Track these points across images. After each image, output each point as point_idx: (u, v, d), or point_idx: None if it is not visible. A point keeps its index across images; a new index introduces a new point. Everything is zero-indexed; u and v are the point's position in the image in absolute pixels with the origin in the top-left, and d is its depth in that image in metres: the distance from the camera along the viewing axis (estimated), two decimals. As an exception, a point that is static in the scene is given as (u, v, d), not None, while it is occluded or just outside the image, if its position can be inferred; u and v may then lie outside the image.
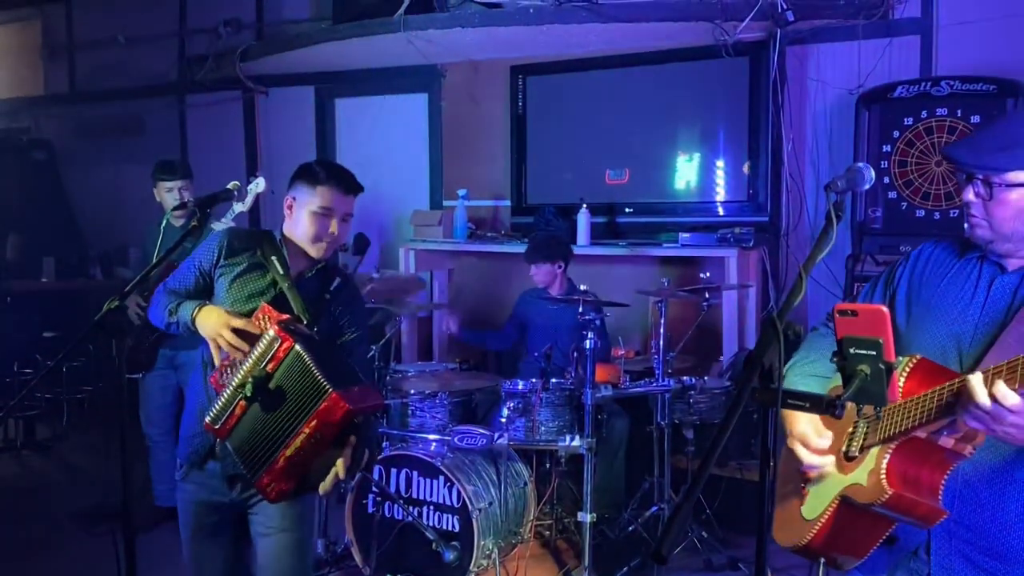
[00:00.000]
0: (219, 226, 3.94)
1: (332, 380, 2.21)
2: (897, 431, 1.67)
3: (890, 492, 1.65)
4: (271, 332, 2.29)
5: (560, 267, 4.65)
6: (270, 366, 2.27)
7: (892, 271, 2.04)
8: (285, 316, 2.36)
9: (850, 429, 1.85)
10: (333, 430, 2.22)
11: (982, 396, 1.51)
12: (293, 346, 2.25)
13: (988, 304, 1.79)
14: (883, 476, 1.67)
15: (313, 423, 2.20)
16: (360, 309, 2.65)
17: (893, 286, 2.02)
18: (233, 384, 2.31)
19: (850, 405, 1.67)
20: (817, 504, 1.84)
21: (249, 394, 2.26)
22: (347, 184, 2.53)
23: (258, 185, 3.59)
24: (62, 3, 7.69)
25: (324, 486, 2.29)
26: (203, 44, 6.84)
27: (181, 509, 2.61)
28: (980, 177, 1.76)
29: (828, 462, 1.83)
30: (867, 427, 1.79)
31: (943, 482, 1.67)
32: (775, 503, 2.05)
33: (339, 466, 2.26)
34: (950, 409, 1.57)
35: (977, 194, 1.77)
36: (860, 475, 1.75)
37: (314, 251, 2.52)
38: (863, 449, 1.77)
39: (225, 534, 2.59)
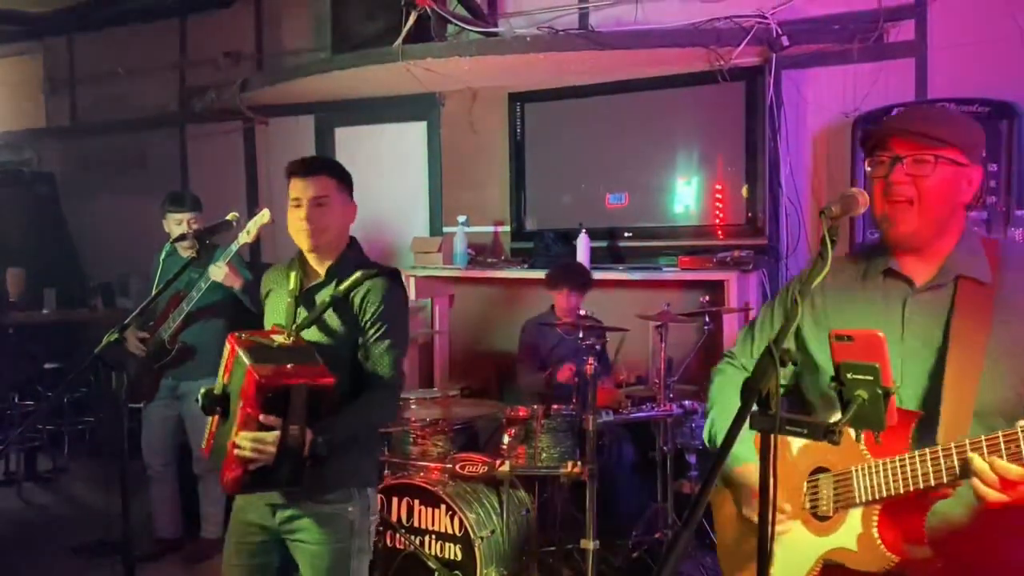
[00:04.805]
0: (220, 260, 3.96)
1: (259, 360, 2.24)
2: (885, 495, 1.65)
3: (896, 559, 1.65)
4: (227, 345, 2.38)
5: (583, 296, 4.66)
6: (226, 376, 2.37)
7: (788, 302, 1.99)
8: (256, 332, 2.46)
9: (804, 484, 1.81)
10: (254, 404, 2.22)
11: (989, 475, 1.51)
12: (236, 349, 2.32)
13: (907, 330, 1.75)
14: (879, 543, 1.67)
15: (240, 402, 2.24)
16: (378, 311, 2.52)
17: (796, 320, 1.96)
18: None
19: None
20: (792, 570, 1.80)
21: (203, 406, 2.36)
22: (305, 167, 2.55)
23: (263, 217, 3.60)
24: (63, 37, 7.76)
25: (241, 451, 2.24)
26: (203, 75, 6.90)
27: (230, 524, 2.61)
28: (917, 152, 1.71)
29: (790, 527, 1.82)
30: (836, 487, 1.75)
31: (924, 525, 1.67)
32: (730, 568, 2.01)
33: (250, 437, 2.23)
34: (959, 474, 1.56)
35: (908, 174, 1.72)
36: (844, 539, 1.73)
37: (302, 243, 2.55)
38: (837, 509, 1.75)
39: (263, 559, 2.54)
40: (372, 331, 2.50)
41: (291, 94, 6.02)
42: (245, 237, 3.67)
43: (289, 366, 2.26)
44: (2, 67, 8.22)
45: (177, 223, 4.43)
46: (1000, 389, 1.69)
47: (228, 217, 2.93)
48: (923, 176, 1.72)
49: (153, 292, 3.15)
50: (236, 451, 2.24)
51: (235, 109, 6.40)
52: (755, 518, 1.79)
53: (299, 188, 2.54)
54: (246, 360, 2.24)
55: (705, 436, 2.09)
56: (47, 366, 6.39)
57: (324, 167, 2.59)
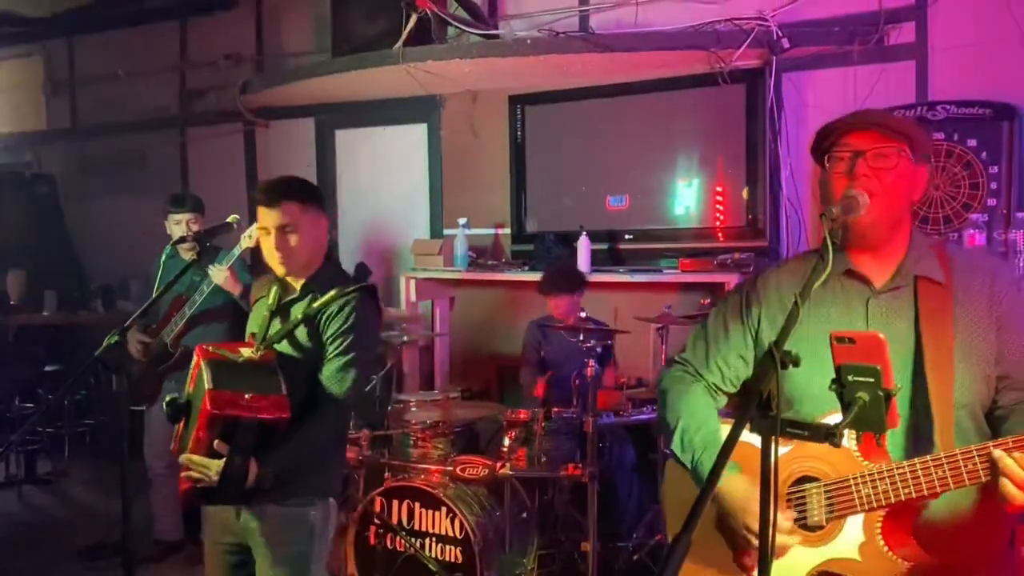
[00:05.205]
0: (223, 263, 3.95)
1: (219, 383, 2.27)
2: (895, 500, 1.64)
3: (908, 565, 1.64)
4: (194, 355, 2.43)
5: (579, 296, 4.65)
6: (191, 386, 2.44)
7: (743, 309, 1.98)
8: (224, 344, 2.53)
9: (786, 493, 1.80)
10: (205, 429, 2.26)
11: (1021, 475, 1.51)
12: (200, 362, 2.37)
13: (872, 330, 1.72)
14: (887, 551, 1.66)
15: (196, 422, 2.30)
16: (340, 328, 2.51)
17: (754, 327, 1.95)
18: None
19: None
20: None
21: (168, 414, 2.42)
22: (267, 197, 2.53)
23: None
24: (64, 39, 7.76)
25: (188, 472, 2.31)
26: (204, 77, 6.91)
27: (207, 521, 2.66)
28: (879, 145, 1.74)
29: (793, 541, 1.77)
30: (829, 496, 1.74)
31: (914, 526, 1.68)
32: None
33: (196, 461, 2.29)
34: (985, 477, 1.55)
35: (872, 167, 1.74)
36: (844, 549, 1.71)
37: (275, 269, 2.58)
38: (830, 519, 1.74)
39: (238, 557, 2.56)
40: (332, 347, 2.51)
41: (291, 96, 6.03)
42: (247, 242, 3.66)
43: (247, 396, 2.27)
44: (3, 69, 8.22)
45: (176, 223, 4.43)
46: (971, 386, 1.74)
47: (229, 219, 2.93)
48: (886, 169, 1.74)
49: (154, 294, 3.15)
50: (183, 472, 2.31)
51: (235, 111, 6.41)
52: (752, 523, 1.77)
53: (265, 217, 2.54)
54: (206, 382, 2.27)
55: (675, 446, 1.98)
56: (48, 368, 6.40)
57: (285, 193, 2.54)
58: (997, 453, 1.53)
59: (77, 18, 7.45)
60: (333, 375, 2.49)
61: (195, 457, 2.30)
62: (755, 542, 1.80)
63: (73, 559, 4.61)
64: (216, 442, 2.26)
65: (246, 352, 2.42)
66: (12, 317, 6.62)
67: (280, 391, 2.33)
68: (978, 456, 1.56)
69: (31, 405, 6.22)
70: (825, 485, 1.75)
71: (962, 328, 1.74)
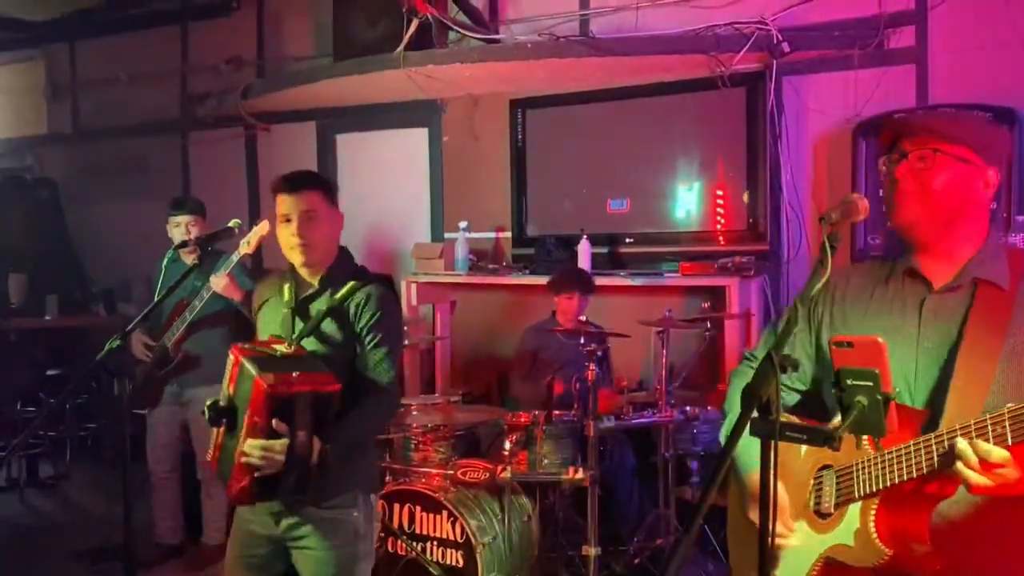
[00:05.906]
0: (221, 270, 3.95)
1: (263, 368, 2.23)
2: (882, 486, 1.65)
3: (889, 552, 1.63)
4: (231, 356, 2.37)
5: (588, 299, 4.67)
6: (231, 387, 2.36)
7: (810, 309, 1.99)
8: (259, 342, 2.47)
9: (811, 482, 1.81)
10: (261, 412, 2.22)
11: (971, 457, 1.51)
12: (240, 360, 2.32)
13: (923, 330, 1.77)
14: (875, 536, 1.66)
15: (248, 411, 2.24)
16: (373, 317, 2.53)
17: (817, 321, 1.97)
18: None
19: (801, 458, 1.64)
20: (792, 571, 1.80)
21: (209, 418, 2.35)
22: (292, 184, 2.55)
23: (263, 228, 3.61)
24: (65, 43, 7.78)
25: (249, 458, 2.24)
26: (205, 82, 6.92)
27: (231, 535, 2.62)
28: (920, 147, 1.75)
29: (800, 528, 1.80)
30: (838, 482, 1.75)
31: (927, 524, 1.66)
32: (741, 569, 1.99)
33: (258, 445, 2.22)
34: (947, 462, 1.55)
35: (912, 169, 1.75)
36: (843, 535, 1.72)
37: (295, 259, 2.56)
38: (838, 505, 1.75)
39: (268, 571, 2.56)
40: (369, 338, 2.52)
41: (293, 100, 6.04)
42: (245, 248, 3.67)
43: (295, 374, 2.26)
44: (4, 74, 8.23)
45: (176, 226, 4.43)
46: (1010, 395, 1.68)
47: (230, 224, 2.94)
48: (924, 170, 1.75)
49: (155, 299, 3.15)
50: (243, 459, 2.24)
51: (237, 116, 6.42)
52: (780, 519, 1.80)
53: (287, 204, 2.54)
54: (252, 370, 2.24)
55: (722, 434, 2.09)
56: (49, 372, 6.41)
57: (310, 182, 2.60)
58: (958, 439, 1.53)
59: (79, 22, 7.45)
60: (378, 364, 2.51)
61: (256, 440, 2.23)
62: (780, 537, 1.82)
63: (75, 562, 4.61)
64: (275, 422, 2.22)
65: (280, 348, 2.41)
66: (13, 321, 6.62)
67: (324, 371, 2.33)
68: (947, 439, 1.56)
69: (33, 409, 6.23)
70: (836, 471, 1.76)
71: (1017, 331, 1.70)
